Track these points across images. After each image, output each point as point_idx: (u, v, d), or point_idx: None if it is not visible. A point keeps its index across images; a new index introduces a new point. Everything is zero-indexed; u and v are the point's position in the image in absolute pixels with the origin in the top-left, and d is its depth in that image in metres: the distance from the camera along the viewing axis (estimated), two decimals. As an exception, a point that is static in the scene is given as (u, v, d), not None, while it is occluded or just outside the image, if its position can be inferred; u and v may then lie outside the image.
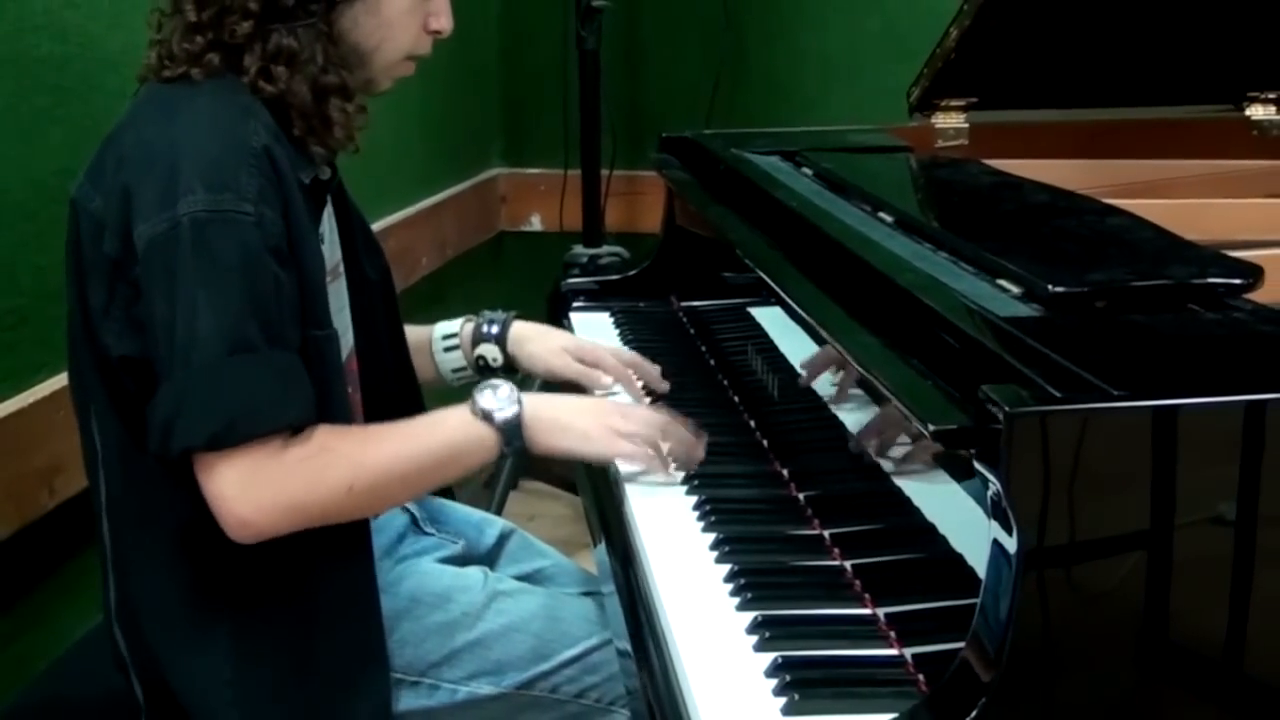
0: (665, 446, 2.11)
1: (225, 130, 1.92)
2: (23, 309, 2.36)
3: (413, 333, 2.48)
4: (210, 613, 2.01)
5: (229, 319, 1.84)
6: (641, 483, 2.10)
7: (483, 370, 2.49)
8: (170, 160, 1.88)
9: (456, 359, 2.50)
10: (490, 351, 2.47)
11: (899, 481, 1.72)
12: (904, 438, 1.71)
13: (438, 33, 2.15)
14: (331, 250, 2.18)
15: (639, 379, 2.47)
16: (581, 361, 2.44)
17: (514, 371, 2.47)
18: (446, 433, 2.03)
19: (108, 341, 1.95)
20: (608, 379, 2.44)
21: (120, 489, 2.03)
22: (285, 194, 1.94)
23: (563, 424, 2.07)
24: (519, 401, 2.02)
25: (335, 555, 2.03)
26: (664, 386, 2.43)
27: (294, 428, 1.90)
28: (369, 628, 2.08)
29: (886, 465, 1.76)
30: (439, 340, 2.51)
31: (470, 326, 2.50)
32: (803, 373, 2.11)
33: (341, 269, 2.22)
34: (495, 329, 2.48)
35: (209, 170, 1.87)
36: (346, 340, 2.20)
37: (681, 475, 2.10)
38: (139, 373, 1.91)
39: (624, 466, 2.12)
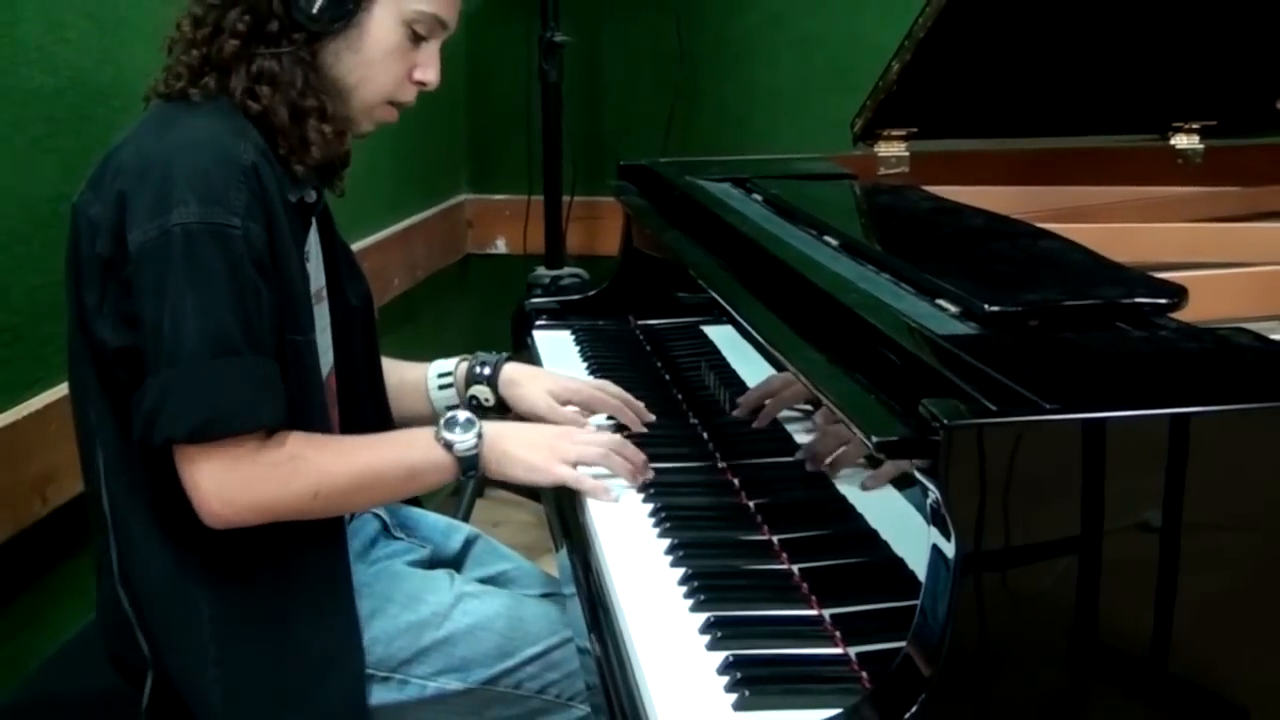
0: (614, 463, 2.10)
1: (218, 147, 1.94)
2: (17, 327, 2.34)
3: (407, 369, 2.48)
4: (193, 590, 2.02)
5: (214, 323, 1.88)
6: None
7: (475, 410, 2.45)
8: (165, 172, 1.90)
9: (451, 397, 2.48)
10: (483, 392, 2.45)
11: (843, 490, 1.72)
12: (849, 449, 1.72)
13: (422, 84, 2.15)
14: (316, 273, 2.19)
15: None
16: (569, 403, 2.39)
17: (506, 410, 2.45)
18: (410, 455, 2.07)
19: (104, 335, 1.97)
20: (597, 418, 2.39)
21: (115, 468, 2.03)
22: (270, 210, 1.96)
23: (512, 458, 2.09)
24: (479, 435, 2.06)
25: (311, 542, 2.05)
26: (650, 418, 2.37)
27: (268, 429, 1.93)
28: (344, 614, 2.09)
29: (831, 474, 1.76)
30: (434, 379, 2.49)
31: (464, 366, 2.47)
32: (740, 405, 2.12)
33: (325, 293, 2.23)
34: (488, 370, 2.45)
35: (201, 183, 1.90)
36: (326, 360, 2.20)
37: (624, 491, 2.09)
38: (132, 362, 1.94)
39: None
